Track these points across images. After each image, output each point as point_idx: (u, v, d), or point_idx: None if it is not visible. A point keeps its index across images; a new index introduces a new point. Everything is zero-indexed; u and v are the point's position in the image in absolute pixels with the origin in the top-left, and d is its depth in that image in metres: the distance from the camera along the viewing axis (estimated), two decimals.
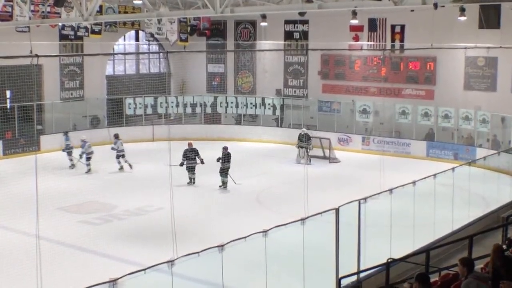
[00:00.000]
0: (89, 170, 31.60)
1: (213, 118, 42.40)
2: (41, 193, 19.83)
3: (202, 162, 28.63)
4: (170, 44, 39.03)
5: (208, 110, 42.17)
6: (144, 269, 11.25)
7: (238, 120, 42.53)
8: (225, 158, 28.03)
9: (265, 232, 13.19)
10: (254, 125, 41.55)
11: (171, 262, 11.38)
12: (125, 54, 44.15)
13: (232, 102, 41.88)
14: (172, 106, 42.08)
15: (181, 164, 28.28)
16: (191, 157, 28.61)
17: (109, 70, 43.36)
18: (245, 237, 12.79)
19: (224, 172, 27.96)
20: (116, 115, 41.09)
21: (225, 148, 28.57)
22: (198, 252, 11.86)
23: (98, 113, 41.09)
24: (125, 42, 44.18)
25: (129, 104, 41.38)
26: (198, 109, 42.23)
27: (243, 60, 44.13)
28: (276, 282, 14.24)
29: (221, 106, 42.05)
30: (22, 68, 35.30)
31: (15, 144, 36.11)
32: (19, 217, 22.25)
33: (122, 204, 25.16)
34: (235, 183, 27.96)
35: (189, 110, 42.26)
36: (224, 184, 27.93)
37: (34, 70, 35.36)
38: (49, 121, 38.50)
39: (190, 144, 29.35)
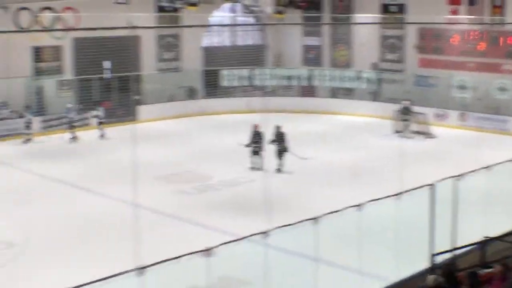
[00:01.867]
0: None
1: (308, 91, 42.32)
2: (138, 162, 20.32)
3: (247, 145, 26.45)
4: (266, 16, 39.00)
5: (304, 83, 42.08)
6: (238, 239, 11.36)
7: (333, 93, 42.30)
8: (279, 138, 26.06)
9: (359, 206, 13.13)
10: (349, 99, 41.27)
11: (265, 233, 11.46)
12: (221, 26, 44.35)
13: (327, 76, 41.67)
14: (268, 78, 42.15)
15: (247, 146, 26.47)
16: (255, 140, 26.41)
17: (205, 42, 43.68)
18: (339, 211, 12.77)
19: (280, 153, 25.92)
20: (212, 86, 41.46)
21: (277, 128, 26.22)
22: (292, 224, 11.90)
23: (195, 84, 41.50)
24: (222, 14, 44.38)
25: (225, 75, 41.65)
26: (293, 82, 42.18)
27: (339, 33, 43.76)
28: (368, 256, 14.19)
29: (316, 79, 41.90)
30: (121, 39, 35.99)
31: (113, 114, 36.86)
32: (117, 186, 22.80)
33: (218, 175, 25.41)
34: (302, 158, 26.20)
35: (284, 82, 42.26)
36: (280, 167, 25.82)
37: (132, 42, 36.01)
38: (146, 92, 39.12)
39: (256, 127, 26.56)
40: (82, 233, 18.80)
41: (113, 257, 15.73)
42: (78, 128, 33.52)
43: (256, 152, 26.27)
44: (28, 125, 32.72)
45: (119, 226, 18.68)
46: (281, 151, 25.88)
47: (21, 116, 33.49)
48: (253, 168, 26.07)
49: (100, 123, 33.92)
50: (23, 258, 17.01)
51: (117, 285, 9.51)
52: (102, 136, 33.33)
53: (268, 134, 25.90)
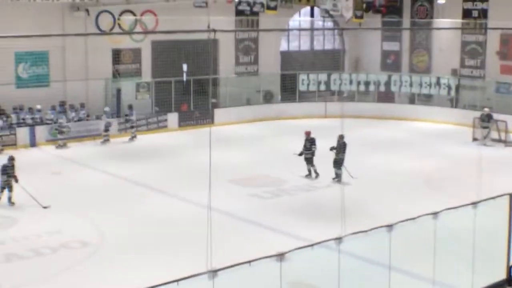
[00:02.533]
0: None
1: (386, 97, 41.92)
2: (214, 165, 20.36)
3: (300, 154, 26.07)
4: (345, 21, 38.76)
5: (382, 88, 41.70)
6: (312, 245, 11.30)
7: (412, 99, 41.79)
8: (340, 148, 25.11)
9: (434, 214, 12.92)
10: (428, 105, 40.72)
11: (338, 239, 11.37)
12: (300, 30, 44.36)
13: (406, 81, 41.19)
14: (345, 83, 41.92)
15: (300, 154, 26.11)
16: (308, 147, 25.89)
17: (283, 46, 43.71)
18: (414, 218, 12.59)
19: (338, 163, 25.08)
20: (289, 90, 41.45)
21: (340, 137, 25.20)
22: (366, 231, 11.78)
23: (272, 88, 41.56)
24: (300, 18, 44.38)
25: (303, 80, 41.59)
26: (371, 87, 41.84)
27: (418, 38, 43.22)
28: (443, 266, 13.94)
29: (394, 85, 41.47)
30: (199, 42, 36.24)
31: (190, 117, 37.18)
32: (192, 188, 22.95)
33: (292, 180, 25.35)
34: (351, 176, 24.94)
35: (362, 87, 41.95)
36: (337, 177, 25.08)
37: (210, 45, 36.22)
38: (223, 95, 39.34)
39: (307, 134, 26.25)
40: (156, 235, 18.98)
41: (186, 259, 15.81)
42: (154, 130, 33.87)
43: (309, 160, 25.95)
44: (106, 127, 33.26)
45: (192, 229, 18.78)
46: (339, 161, 25.13)
47: (99, 118, 34.04)
48: (307, 176, 25.88)
49: (132, 126, 34.28)
50: (97, 257, 17.25)
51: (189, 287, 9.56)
52: (132, 138, 33.89)
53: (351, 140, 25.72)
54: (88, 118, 33.97)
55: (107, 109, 33.93)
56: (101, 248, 17.89)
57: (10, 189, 21.76)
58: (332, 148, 25.20)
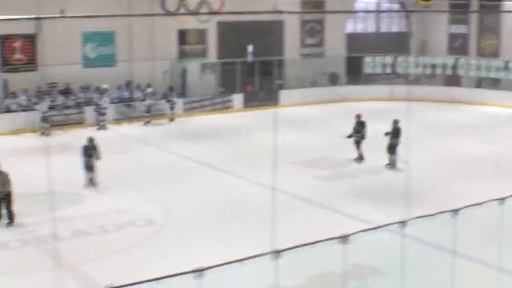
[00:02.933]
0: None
1: (453, 80, 41.34)
2: (278, 147, 20.43)
3: (349, 136, 25.57)
4: (412, 3, 38.32)
5: (448, 71, 41.14)
6: (375, 228, 11.25)
7: (479, 83, 41.14)
8: (394, 133, 24.43)
9: (501, 200, 12.72)
10: (495, 89, 40.04)
11: (402, 223, 11.29)
12: (366, 12, 43.98)
13: (473, 65, 40.57)
14: (411, 66, 41.49)
15: (349, 136, 25.61)
16: (358, 130, 25.51)
17: (349, 28, 43.40)
18: (480, 204, 12.42)
19: (391, 149, 24.49)
20: (355, 73, 41.20)
21: (395, 122, 24.56)
22: (430, 215, 11.67)
23: (337, 70, 41.35)
24: (367, 0, 43.99)
25: (368, 62, 41.30)
26: (438, 70, 41.32)
27: (487, 21, 42.46)
28: (509, 253, 13.74)
29: (462, 68, 40.88)
30: (264, 23, 36.23)
31: (255, 98, 37.25)
32: (257, 169, 23.04)
33: (356, 162, 25.23)
34: (404, 162, 23.43)
35: (428, 71, 41.45)
36: (391, 163, 24.49)
37: (276, 26, 36.20)
38: (288, 77, 39.29)
39: (358, 116, 25.74)
40: (220, 214, 19.10)
41: (250, 239, 15.89)
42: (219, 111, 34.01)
43: (357, 142, 25.59)
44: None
45: (256, 209, 18.87)
46: (393, 147, 24.54)
47: (165, 98, 34.34)
48: (356, 160, 25.55)
49: (172, 108, 34.24)
50: (162, 236, 17.44)
51: (253, 267, 9.60)
52: (171, 120, 33.93)
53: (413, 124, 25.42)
54: (154, 98, 34.27)
55: (149, 90, 33.85)
56: (166, 226, 18.08)
57: (91, 169, 21.65)
58: (387, 134, 24.75)
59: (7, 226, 17.89)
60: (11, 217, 18.04)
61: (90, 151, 21.68)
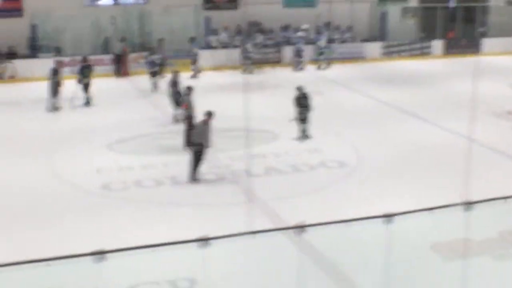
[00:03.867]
0: None
1: None
2: (477, 97, 19.84)
3: None
4: None
5: None
6: None
7: None
8: None
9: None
10: None
11: None
12: None
13: None
14: None
15: None
16: None
17: None
18: None
19: None
20: None
21: None
22: None
23: None
24: None
25: None
26: None
27: None
28: None
29: None
30: None
31: (456, 45, 36.31)
32: (453, 117, 22.56)
33: None
34: None
35: None
36: None
37: None
38: (492, 24, 37.92)
39: None
40: (413, 161, 18.87)
41: (442, 188, 15.67)
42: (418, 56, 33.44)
43: None
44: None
45: (451, 158, 18.52)
46: None
47: (365, 41, 34.20)
48: None
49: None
50: (353, 179, 17.50)
51: (442, 217, 9.51)
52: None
53: None
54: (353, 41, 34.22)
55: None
56: (357, 170, 18.14)
57: (304, 121, 20.76)
58: None
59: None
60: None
61: (302, 101, 20.81)
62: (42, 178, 17.02)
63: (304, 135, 20.92)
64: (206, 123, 16.93)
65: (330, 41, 33.87)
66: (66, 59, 29.41)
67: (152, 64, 28.00)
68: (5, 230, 13.71)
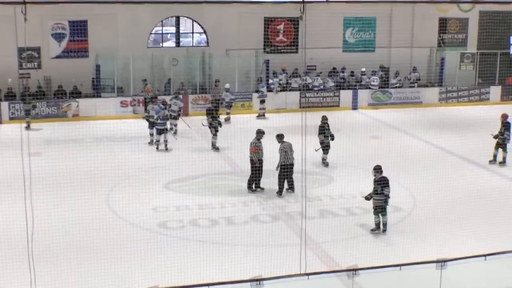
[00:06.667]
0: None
1: None
2: None
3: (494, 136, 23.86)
4: None
5: None
6: None
7: None
8: None
9: None
10: None
11: None
12: None
13: None
14: None
15: (495, 137, 23.92)
16: (501, 132, 23.85)
17: None
18: None
19: None
20: None
21: None
22: None
23: None
24: None
25: None
26: None
27: None
28: None
29: None
30: None
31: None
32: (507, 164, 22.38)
33: None
34: None
35: None
36: None
37: None
38: None
39: (504, 117, 24.04)
40: (468, 207, 18.61)
41: (501, 234, 15.58)
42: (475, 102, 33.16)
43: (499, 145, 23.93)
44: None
45: (507, 204, 18.37)
46: None
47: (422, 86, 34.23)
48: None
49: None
50: (408, 222, 17.37)
51: (499, 265, 9.52)
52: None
53: None
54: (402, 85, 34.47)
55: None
56: (411, 214, 18.16)
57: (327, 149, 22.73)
58: None
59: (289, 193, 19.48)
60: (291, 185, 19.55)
61: (324, 130, 22.71)
62: (99, 214, 17.33)
63: (323, 163, 22.68)
64: None
65: (385, 85, 34.27)
66: (128, 99, 30.28)
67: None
68: (65, 263, 14.04)
